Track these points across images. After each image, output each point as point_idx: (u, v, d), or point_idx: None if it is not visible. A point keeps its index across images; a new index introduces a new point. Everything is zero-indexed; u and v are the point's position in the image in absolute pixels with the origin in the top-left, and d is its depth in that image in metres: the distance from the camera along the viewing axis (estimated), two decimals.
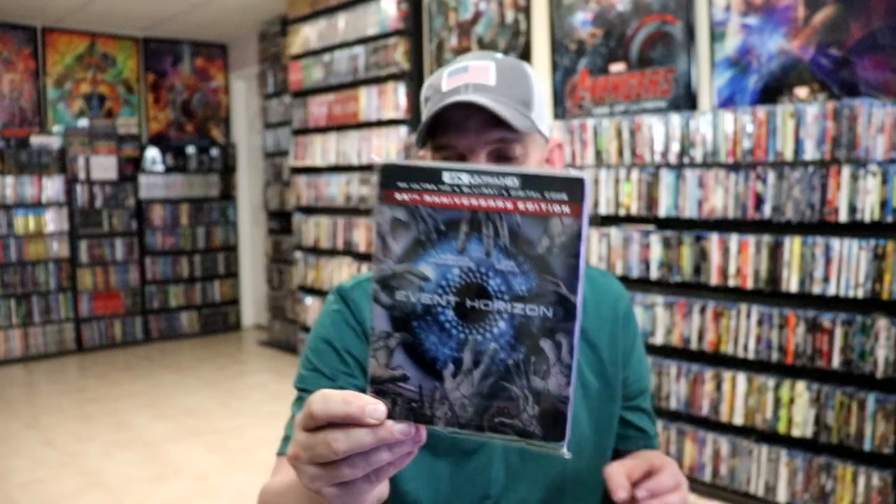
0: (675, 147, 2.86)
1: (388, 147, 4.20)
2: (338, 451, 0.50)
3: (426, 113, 0.91)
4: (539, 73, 3.50)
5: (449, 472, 0.93)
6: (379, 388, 0.51)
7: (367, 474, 0.52)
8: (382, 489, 0.59)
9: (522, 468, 0.94)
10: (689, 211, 2.82)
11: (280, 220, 5.86)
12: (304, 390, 0.94)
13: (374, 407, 0.50)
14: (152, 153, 6.19)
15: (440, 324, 0.50)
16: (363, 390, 0.75)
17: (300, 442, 0.53)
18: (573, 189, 0.47)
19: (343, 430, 0.50)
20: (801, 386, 2.55)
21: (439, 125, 0.87)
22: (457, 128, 0.87)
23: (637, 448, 1.04)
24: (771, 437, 2.66)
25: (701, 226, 2.83)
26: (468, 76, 0.88)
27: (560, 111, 3.40)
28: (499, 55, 0.92)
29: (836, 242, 2.45)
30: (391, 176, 0.49)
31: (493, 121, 0.84)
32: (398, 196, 0.49)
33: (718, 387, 2.76)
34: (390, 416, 0.50)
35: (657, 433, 1.08)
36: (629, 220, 3.05)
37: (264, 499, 0.81)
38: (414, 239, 0.49)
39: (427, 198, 0.49)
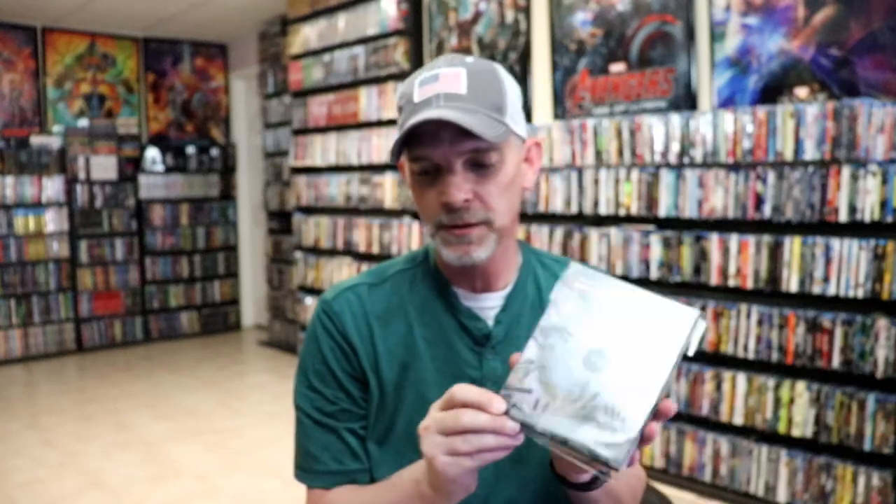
0: (675, 147, 2.86)
1: (388, 147, 4.19)
2: (461, 423, 0.71)
3: (400, 124, 0.91)
4: (539, 72, 3.50)
5: None
6: (507, 392, 0.72)
7: (471, 452, 0.71)
8: (472, 482, 0.75)
9: (511, 469, 0.94)
10: (689, 211, 2.81)
11: (280, 220, 5.86)
12: (309, 416, 0.98)
13: (499, 402, 0.71)
14: (152, 153, 6.19)
15: (570, 366, 0.71)
16: (362, 401, 0.98)
17: (434, 417, 0.74)
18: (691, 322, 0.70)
19: (470, 411, 0.71)
20: (801, 386, 2.55)
21: (414, 137, 0.88)
22: (431, 139, 0.86)
23: None
24: (771, 437, 2.66)
25: (701, 226, 2.83)
26: (439, 85, 0.87)
27: (560, 111, 3.40)
28: (469, 59, 0.91)
29: (836, 242, 2.44)
30: (577, 273, 0.75)
31: (466, 131, 0.84)
32: (577, 284, 0.75)
33: (718, 387, 2.76)
34: (506, 414, 0.71)
35: None
36: (629, 220, 3.05)
37: None
38: (577, 312, 0.73)
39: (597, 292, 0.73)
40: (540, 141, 1.00)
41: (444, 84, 0.87)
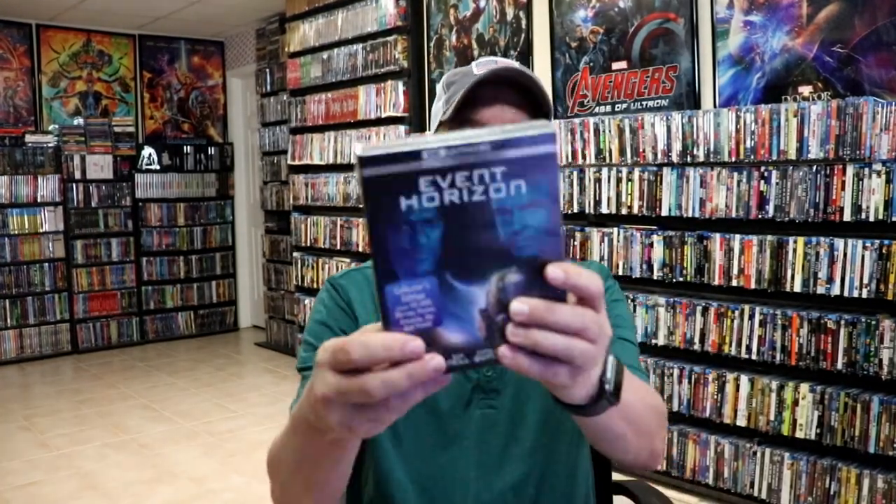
0: (678, 146, 2.83)
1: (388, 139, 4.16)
2: (376, 397, 0.50)
3: (451, 93, 0.97)
4: (540, 70, 3.47)
5: (432, 455, 0.99)
6: None
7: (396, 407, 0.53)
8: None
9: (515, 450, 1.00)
10: (691, 210, 2.79)
11: (278, 220, 5.82)
12: (307, 369, 0.99)
13: (414, 344, 0.49)
14: (148, 152, 6.15)
15: None
16: None
17: (332, 384, 0.52)
18: None
19: (380, 378, 0.50)
20: (804, 387, 2.52)
21: (469, 102, 0.95)
22: (485, 102, 0.94)
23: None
24: (774, 439, 2.63)
25: (703, 225, 2.80)
26: (500, 62, 0.97)
27: (561, 109, 3.37)
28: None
29: (840, 242, 2.42)
30: None
31: (518, 107, 0.95)
32: None
33: (721, 388, 2.73)
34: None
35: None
36: (631, 219, 3.02)
37: (272, 451, 0.84)
38: None
39: None
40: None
41: (503, 63, 0.97)
